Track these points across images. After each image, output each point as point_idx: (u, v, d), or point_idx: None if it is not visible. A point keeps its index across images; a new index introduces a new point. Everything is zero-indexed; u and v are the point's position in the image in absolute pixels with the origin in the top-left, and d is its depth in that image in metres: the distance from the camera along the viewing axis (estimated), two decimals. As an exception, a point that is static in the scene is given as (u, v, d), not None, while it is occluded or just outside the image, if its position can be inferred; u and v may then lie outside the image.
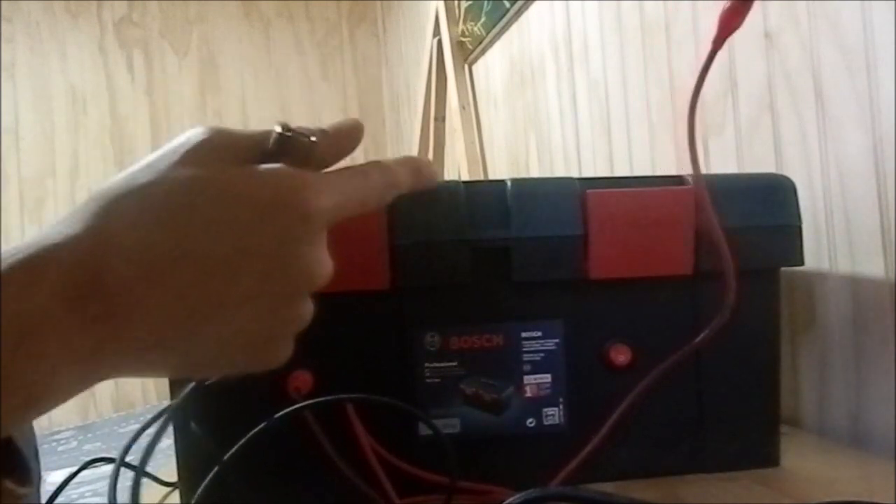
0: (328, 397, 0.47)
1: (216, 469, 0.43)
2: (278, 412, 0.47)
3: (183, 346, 0.28)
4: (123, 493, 0.41)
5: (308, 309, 0.31)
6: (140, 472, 0.40)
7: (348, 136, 0.34)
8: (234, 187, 0.28)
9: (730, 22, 0.37)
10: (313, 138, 0.31)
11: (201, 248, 0.27)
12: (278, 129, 0.31)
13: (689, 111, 0.40)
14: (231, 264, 0.28)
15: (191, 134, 0.30)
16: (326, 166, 0.33)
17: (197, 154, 0.29)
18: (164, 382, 0.39)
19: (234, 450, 0.42)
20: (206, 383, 0.43)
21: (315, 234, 0.30)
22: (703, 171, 0.80)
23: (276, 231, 0.28)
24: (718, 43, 0.38)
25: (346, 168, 0.33)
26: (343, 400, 0.47)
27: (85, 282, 0.25)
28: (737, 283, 0.44)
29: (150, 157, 0.29)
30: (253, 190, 0.28)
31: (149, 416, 0.51)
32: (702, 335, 0.47)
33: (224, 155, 0.29)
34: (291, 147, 0.31)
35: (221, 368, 0.30)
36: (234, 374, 0.31)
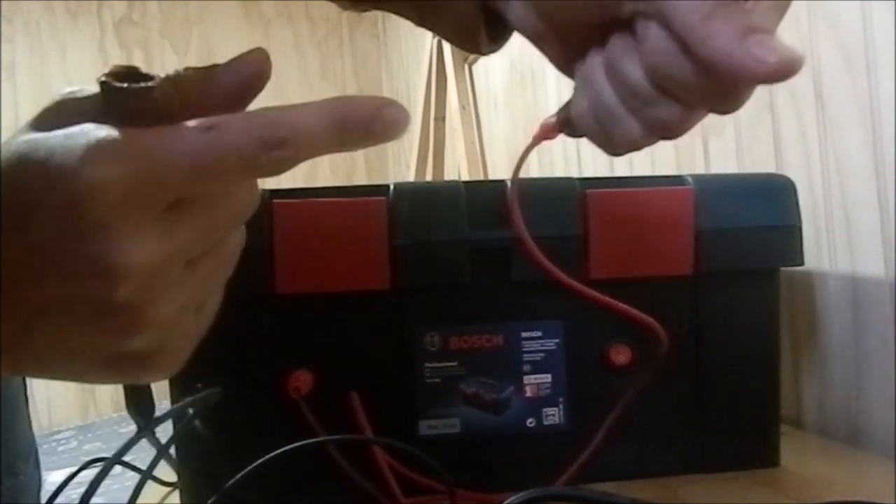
0: (352, 436, 0.47)
1: (227, 485, 0.43)
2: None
3: (22, 355, 0.25)
4: (123, 494, 0.41)
5: (158, 321, 0.25)
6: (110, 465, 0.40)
7: (234, 72, 0.24)
8: (16, 172, 0.23)
9: (546, 134, 0.38)
10: (150, 83, 0.23)
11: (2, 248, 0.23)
12: (102, 78, 0.24)
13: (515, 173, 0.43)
14: (29, 266, 0.23)
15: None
16: (189, 117, 0.24)
17: (40, 120, 0.24)
18: (164, 383, 0.38)
19: (245, 472, 0.42)
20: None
21: (101, 216, 0.22)
22: (703, 171, 0.80)
23: (51, 221, 0.22)
24: (534, 143, 0.40)
25: (195, 121, 0.23)
26: (369, 442, 0.47)
27: None
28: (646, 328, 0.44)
29: None
30: (27, 161, 0.22)
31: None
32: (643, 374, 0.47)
33: (68, 118, 0.23)
34: (120, 98, 0.23)
35: (87, 379, 0.27)
36: (119, 381, 0.27)
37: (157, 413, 0.34)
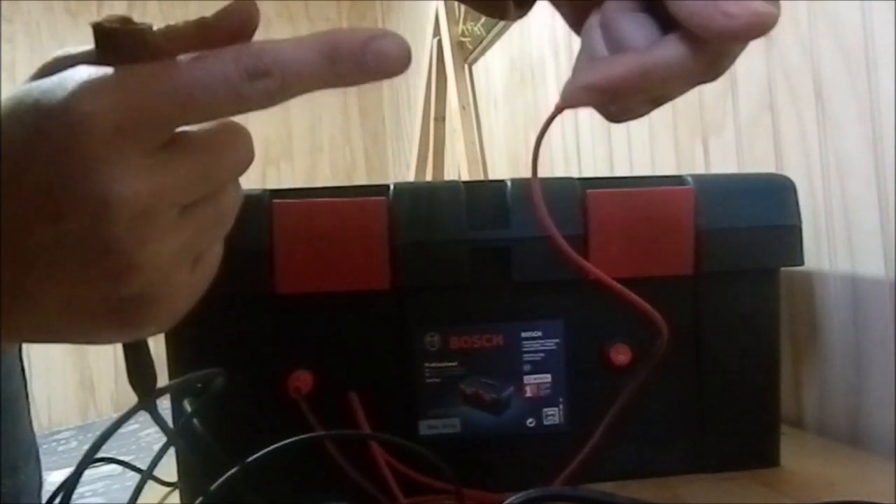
0: (349, 431, 0.47)
1: (224, 477, 0.43)
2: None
3: (21, 307, 0.24)
4: (123, 494, 0.41)
5: (161, 249, 0.24)
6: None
7: (223, 19, 0.25)
8: (11, 115, 0.23)
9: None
10: (142, 26, 0.24)
11: None
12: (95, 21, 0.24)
13: (533, 161, 0.41)
14: (25, 206, 0.23)
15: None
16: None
17: (37, 75, 0.25)
18: (163, 382, 0.38)
19: (246, 462, 0.42)
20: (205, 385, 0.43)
21: (93, 149, 0.22)
22: (704, 171, 0.80)
23: (45, 159, 0.22)
24: (556, 113, 0.39)
25: (181, 58, 0.24)
26: (365, 437, 0.47)
27: None
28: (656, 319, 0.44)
29: None
30: (19, 107, 0.23)
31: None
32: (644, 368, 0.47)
33: (64, 69, 0.24)
34: (112, 40, 0.24)
35: (85, 334, 0.26)
36: (115, 336, 0.27)
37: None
